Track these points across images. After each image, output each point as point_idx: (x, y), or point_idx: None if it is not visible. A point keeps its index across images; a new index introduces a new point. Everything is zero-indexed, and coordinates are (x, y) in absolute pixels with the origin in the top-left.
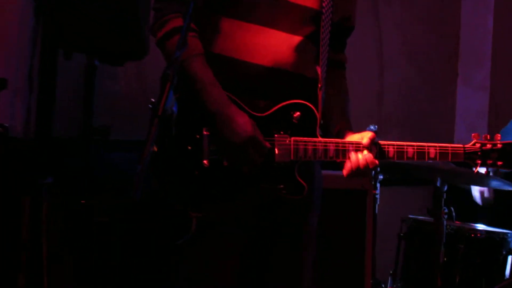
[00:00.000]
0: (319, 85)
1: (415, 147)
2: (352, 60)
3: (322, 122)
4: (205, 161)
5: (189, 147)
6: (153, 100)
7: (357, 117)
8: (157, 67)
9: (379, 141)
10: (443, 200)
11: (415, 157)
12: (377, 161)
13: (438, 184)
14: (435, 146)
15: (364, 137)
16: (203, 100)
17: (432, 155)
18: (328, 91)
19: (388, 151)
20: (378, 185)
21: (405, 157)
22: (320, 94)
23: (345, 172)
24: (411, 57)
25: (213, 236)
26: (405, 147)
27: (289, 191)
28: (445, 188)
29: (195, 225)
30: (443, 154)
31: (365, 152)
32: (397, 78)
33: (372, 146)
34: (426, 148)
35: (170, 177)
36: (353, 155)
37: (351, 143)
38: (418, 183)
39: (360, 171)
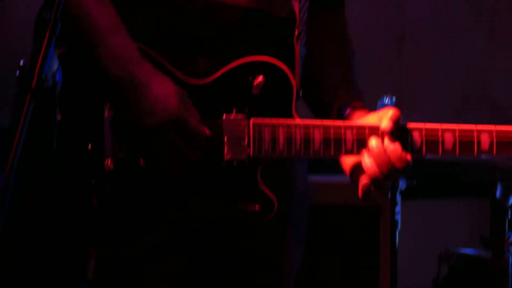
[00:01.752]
0: (296, 32)
1: (457, 132)
2: None
3: (301, 93)
4: (107, 161)
5: (83, 139)
6: (22, 62)
7: (360, 82)
8: (26, 7)
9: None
10: (507, 221)
11: (457, 149)
12: (409, 156)
13: (498, 195)
14: (490, 131)
15: (383, 117)
16: (98, 57)
17: (485, 146)
18: (319, 42)
19: (411, 139)
20: (398, 198)
21: (440, 149)
22: (297, 46)
23: (361, 187)
24: None
25: (124, 286)
26: (440, 131)
27: (247, 209)
28: (510, 202)
29: (94, 268)
30: (503, 144)
31: (387, 142)
32: (427, 12)
33: (396, 131)
34: (475, 133)
35: (52, 191)
36: (367, 156)
37: (351, 126)
38: (465, 193)
39: (381, 180)
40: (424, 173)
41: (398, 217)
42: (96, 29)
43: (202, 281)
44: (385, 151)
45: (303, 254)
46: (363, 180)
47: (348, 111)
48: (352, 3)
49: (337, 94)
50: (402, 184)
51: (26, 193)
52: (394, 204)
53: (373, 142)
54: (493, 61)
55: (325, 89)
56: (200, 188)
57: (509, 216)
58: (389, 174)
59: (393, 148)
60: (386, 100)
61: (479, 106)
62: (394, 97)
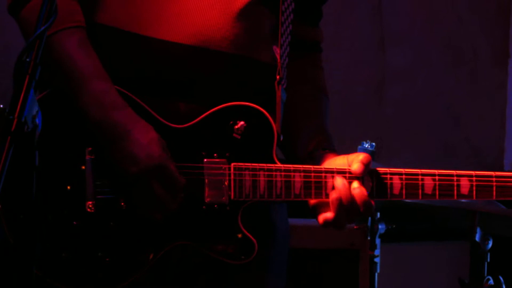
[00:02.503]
0: (278, 77)
1: (437, 177)
2: (331, 34)
3: (282, 138)
4: (89, 203)
5: (63, 182)
6: (1, 106)
7: (340, 128)
8: (6, 50)
9: (377, 168)
10: (486, 264)
11: (437, 193)
12: (372, 201)
13: (477, 239)
14: (470, 176)
15: (354, 161)
16: (79, 103)
17: (464, 190)
18: (293, 87)
19: (391, 183)
20: (377, 241)
21: (420, 194)
22: (279, 91)
23: (320, 218)
24: (431, 26)
25: None
26: (420, 177)
27: (228, 251)
28: (489, 245)
29: None
30: (483, 188)
31: (355, 184)
32: (408, 61)
33: (367, 175)
34: (455, 178)
35: (32, 235)
36: (333, 192)
37: (331, 170)
38: (444, 236)
39: (344, 216)
40: (403, 217)
41: (378, 260)
42: (77, 74)
43: None
44: (347, 190)
45: None
46: (328, 211)
47: (317, 153)
48: (333, 50)
49: (308, 140)
50: (381, 228)
51: (5, 234)
52: (373, 247)
53: (339, 180)
54: (475, 107)
55: (296, 135)
56: (181, 230)
57: (488, 260)
58: (351, 211)
59: (359, 191)
60: (366, 146)
61: (460, 153)
62: (374, 143)
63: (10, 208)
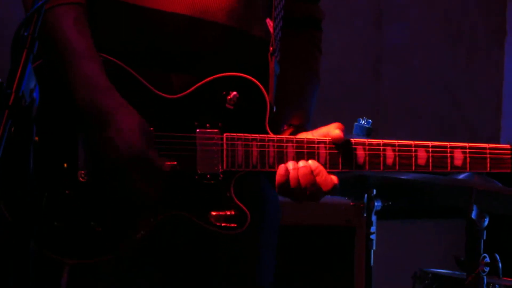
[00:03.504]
0: (271, 49)
1: (430, 149)
2: (328, 12)
3: (275, 109)
4: (81, 172)
5: (58, 152)
6: None
7: (336, 106)
8: (3, 25)
9: (370, 140)
10: (482, 242)
11: (431, 165)
12: (333, 179)
13: (473, 216)
14: (464, 148)
15: (330, 131)
16: (68, 81)
17: (458, 162)
18: (284, 65)
19: (384, 155)
20: (373, 218)
21: (413, 165)
22: (272, 63)
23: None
24: (428, 4)
25: None
26: (413, 148)
27: (220, 222)
28: (485, 223)
29: (67, 279)
30: (476, 160)
31: (314, 163)
32: (406, 36)
33: (359, 146)
34: (448, 150)
35: (30, 209)
36: (281, 168)
37: (324, 141)
38: (440, 214)
39: (302, 194)
40: (399, 194)
41: (373, 237)
42: (69, 53)
43: None
44: (307, 169)
45: (274, 265)
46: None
47: (292, 132)
48: (330, 27)
49: (287, 118)
50: (377, 205)
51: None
52: (369, 224)
53: (300, 162)
54: (471, 86)
55: (280, 111)
56: (174, 200)
57: (484, 237)
58: (310, 191)
59: (318, 169)
60: (363, 122)
61: (456, 131)
62: (370, 120)
63: (7, 182)
